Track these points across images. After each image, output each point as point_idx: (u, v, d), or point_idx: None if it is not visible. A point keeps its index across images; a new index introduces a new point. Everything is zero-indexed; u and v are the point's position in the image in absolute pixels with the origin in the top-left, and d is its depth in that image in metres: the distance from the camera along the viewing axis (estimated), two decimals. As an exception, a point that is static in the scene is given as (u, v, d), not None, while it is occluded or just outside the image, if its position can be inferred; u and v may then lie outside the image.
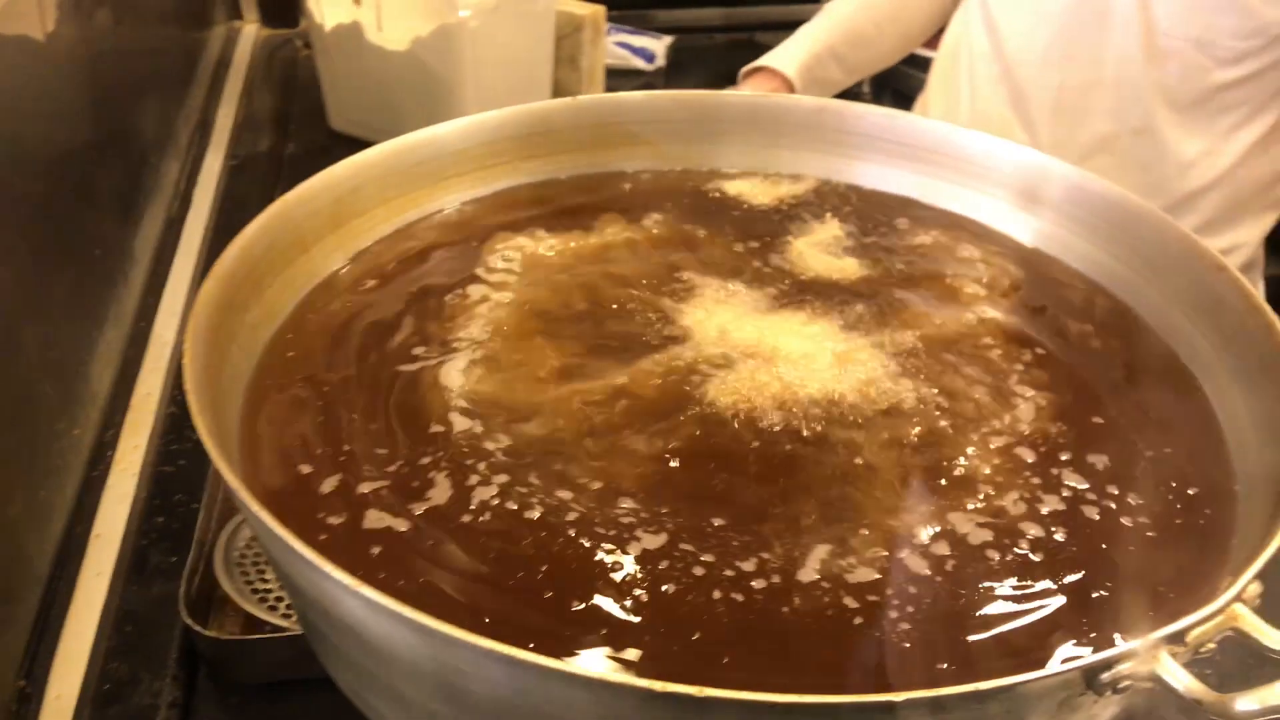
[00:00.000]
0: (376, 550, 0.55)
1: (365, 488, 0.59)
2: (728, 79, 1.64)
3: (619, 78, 1.66)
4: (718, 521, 0.57)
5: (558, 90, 1.54)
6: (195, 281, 1.16)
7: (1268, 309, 0.66)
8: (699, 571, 0.54)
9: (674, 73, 1.72)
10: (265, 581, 0.80)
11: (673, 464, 0.61)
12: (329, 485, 0.59)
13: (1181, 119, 1.06)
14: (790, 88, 1.23)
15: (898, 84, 1.68)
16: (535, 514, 0.57)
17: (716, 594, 0.53)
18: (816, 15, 1.22)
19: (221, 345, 0.64)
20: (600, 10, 1.53)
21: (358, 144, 1.38)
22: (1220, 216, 1.12)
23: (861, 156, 0.88)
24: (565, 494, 0.58)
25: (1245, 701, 0.44)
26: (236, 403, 0.64)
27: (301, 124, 1.51)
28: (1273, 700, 0.44)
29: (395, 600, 0.44)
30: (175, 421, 0.98)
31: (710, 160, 0.91)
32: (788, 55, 1.21)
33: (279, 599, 0.79)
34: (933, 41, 1.37)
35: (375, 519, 0.57)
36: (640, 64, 1.69)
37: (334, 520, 0.57)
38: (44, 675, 0.75)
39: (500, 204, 0.86)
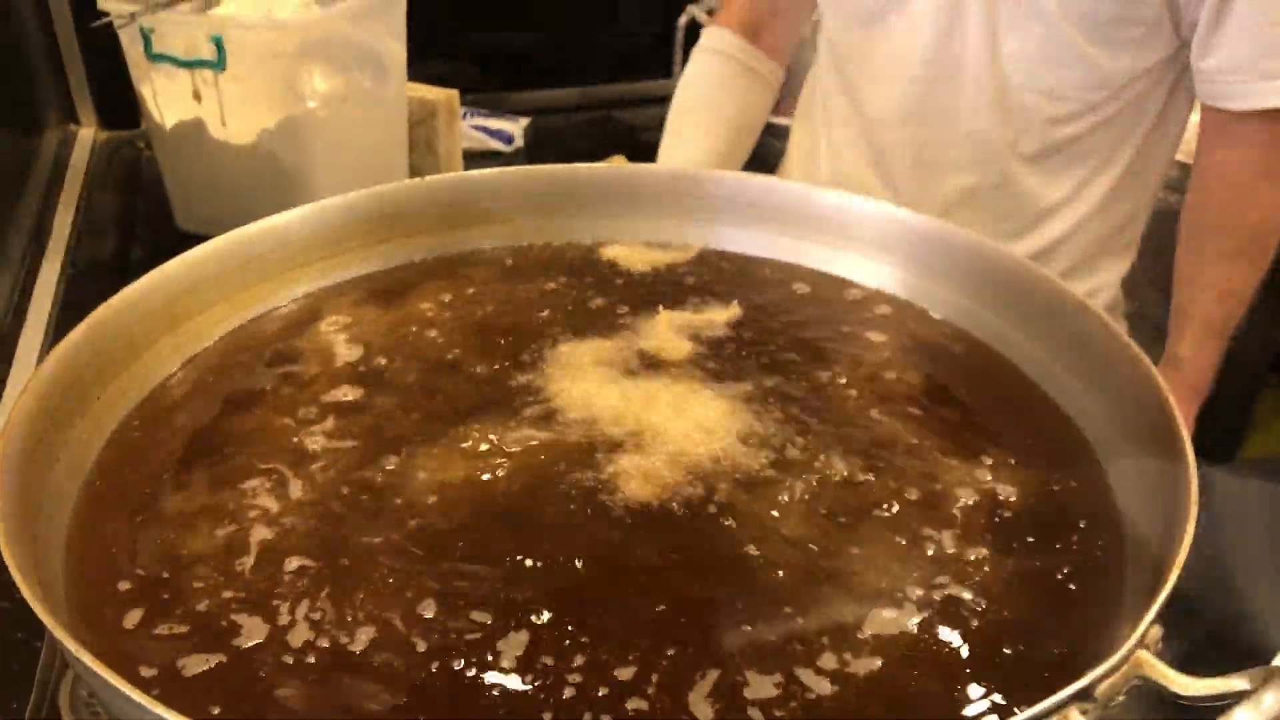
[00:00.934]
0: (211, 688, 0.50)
1: (196, 622, 0.54)
2: (588, 156, 1.63)
3: (478, 160, 1.64)
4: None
5: (414, 175, 1.51)
6: (32, 399, 1.08)
7: (1132, 343, 0.66)
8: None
9: (533, 153, 1.71)
10: (117, 720, 0.73)
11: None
12: (158, 618, 0.54)
13: (1037, 170, 1.08)
14: None
15: (756, 152, 1.69)
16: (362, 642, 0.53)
17: None
18: (668, 136, 1.19)
19: (41, 468, 0.58)
20: (453, 95, 1.51)
21: (207, 244, 1.32)
22: (1081, 263, 1.14)
23: (721, 220, 0.87)
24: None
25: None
26: (61, 530, 0.58)
27: (147, 226, 1.44)
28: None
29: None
30: (12, 553, 0.90)
31: (568, 234, 0.88)
32: None
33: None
34: (788, 109, 1.39)
35: (203, 660, 0.52)
36: (498, 146, 1.68)
37: (161, 658, 0.52)
38: None
39: (347, 291, 0.82)
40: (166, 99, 1.33)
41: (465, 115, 1.67)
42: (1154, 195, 1.16)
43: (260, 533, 0.59)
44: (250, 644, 0.52)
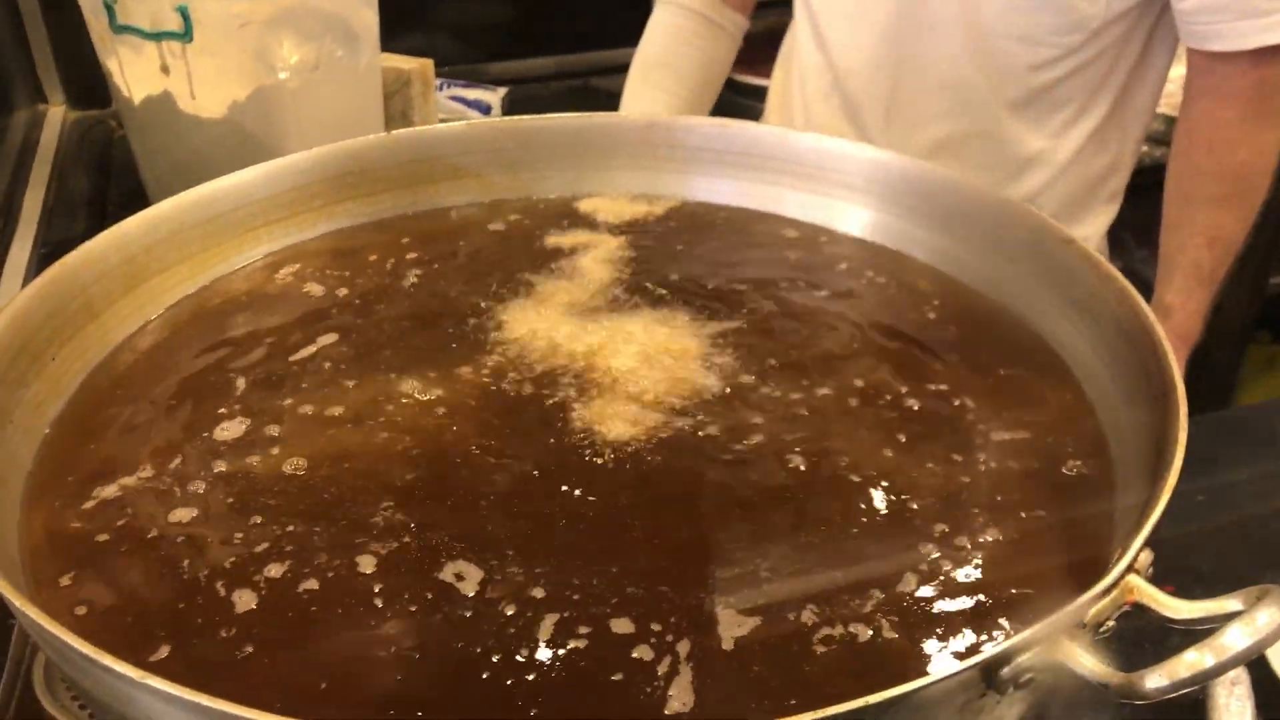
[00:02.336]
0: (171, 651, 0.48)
1: (165, 589, 0.52)
2: (568, 125, 1.62)
3: (456, 132, 1.62)
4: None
5: (391, 147, 1.49)
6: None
7: (1118, 275, 0.65)
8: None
9: (512, 123, 1.68)
10: (92, 695, 0.72)
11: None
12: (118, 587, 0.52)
13: (1015, 117, 1.07)
14: None
15: (739, 115, 1.67)
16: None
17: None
18: (629, 90, 1.19)
19: (-7, 426, 0.56)
20: (428, 64, 1.48)
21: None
22: (1063, 212, 1.13)
23: (696, 170, 0.85)
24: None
25: (1155, 678, 0.41)
26: (16, 493, 0.56)
27: (120, 205, 1.41)
28: (1183, 673, 0.40)
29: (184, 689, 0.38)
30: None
31: (541, 188, 0.86)
32: None
33: (110, 713, 0.70)
34: (765, 71, 1.37)
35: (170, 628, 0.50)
36: (476, 116, 1.65)
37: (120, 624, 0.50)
38: None
39: (311, 249, 0.80)
40: (134, 73, 1.31)
41: (442, 86, 1.65)
42: (1137, 145, 1.15)
43: (223, 494, 0.57)
44: (223, 605, 0.51)
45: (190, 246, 0.73)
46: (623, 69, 1.33)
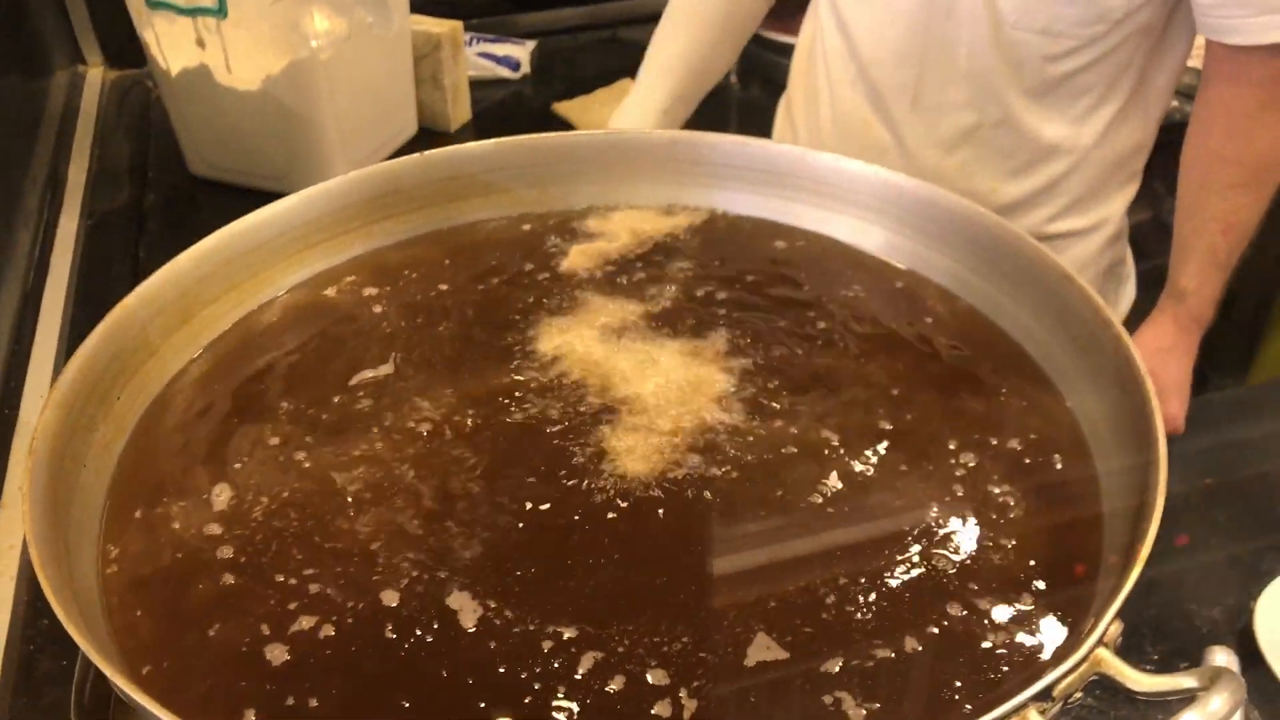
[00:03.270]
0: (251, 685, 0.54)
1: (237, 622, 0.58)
2: (598, 78, 1.63)
3: (485, 88, 1.63)
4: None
5: (422, 111, 1.51)
6: (60, 358, 1.11)
7: (1115, 320, 0.68)
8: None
9: (541, 77, 1.69)
10: (160, 679, 0.78)
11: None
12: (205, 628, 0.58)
13: (1038, 106, 1.07)
14: None
15: (766, 73, 1.68)
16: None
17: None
18: (649, 59, 1.21)
19: (69, 476, 0.62)
20: (457, 26, 1.50)
21: (220, 189, 1.34)
22: (1086, 194, 1.14)
23: (718, 185, 0.88)
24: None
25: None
26: (94, 534, 0.62)
27: (160, 171, 1.45)
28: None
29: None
30: (52, 512, 0.95)
31: (568, 201, 0.90)
32: (641, 118, 1.19)
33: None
34: (794, 27, 1.37)
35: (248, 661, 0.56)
36: (505, 73, 1.66)
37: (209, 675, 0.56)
38: (-62, 808, 0.73)
39: (352, 268, 0.84)
40: (170, 45, 1.33)
41: (471, 42, 1.66)
42: (1157, 125, 1.15)
43: (280, 522, 0.63)
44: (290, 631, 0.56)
45: (238, 275, 0.78)
46: (652, 19, 1.33)
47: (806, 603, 0.58)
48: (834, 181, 0.85)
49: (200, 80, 1.34)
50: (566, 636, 0.56)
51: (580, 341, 0.76)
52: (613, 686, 0.54)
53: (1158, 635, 0.79)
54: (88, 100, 1.57)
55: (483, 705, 0.53)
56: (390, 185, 0.85)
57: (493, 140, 0.88)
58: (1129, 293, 1.24)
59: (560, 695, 0.53)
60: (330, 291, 0.82)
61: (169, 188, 1.42)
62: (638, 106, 1.16)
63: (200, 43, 1.31)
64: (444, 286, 0.82)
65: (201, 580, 0.60)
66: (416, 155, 0.85)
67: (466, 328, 0.78)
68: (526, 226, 0.89)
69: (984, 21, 1.02)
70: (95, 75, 1.62)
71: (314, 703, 0.53)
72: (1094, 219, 1.15)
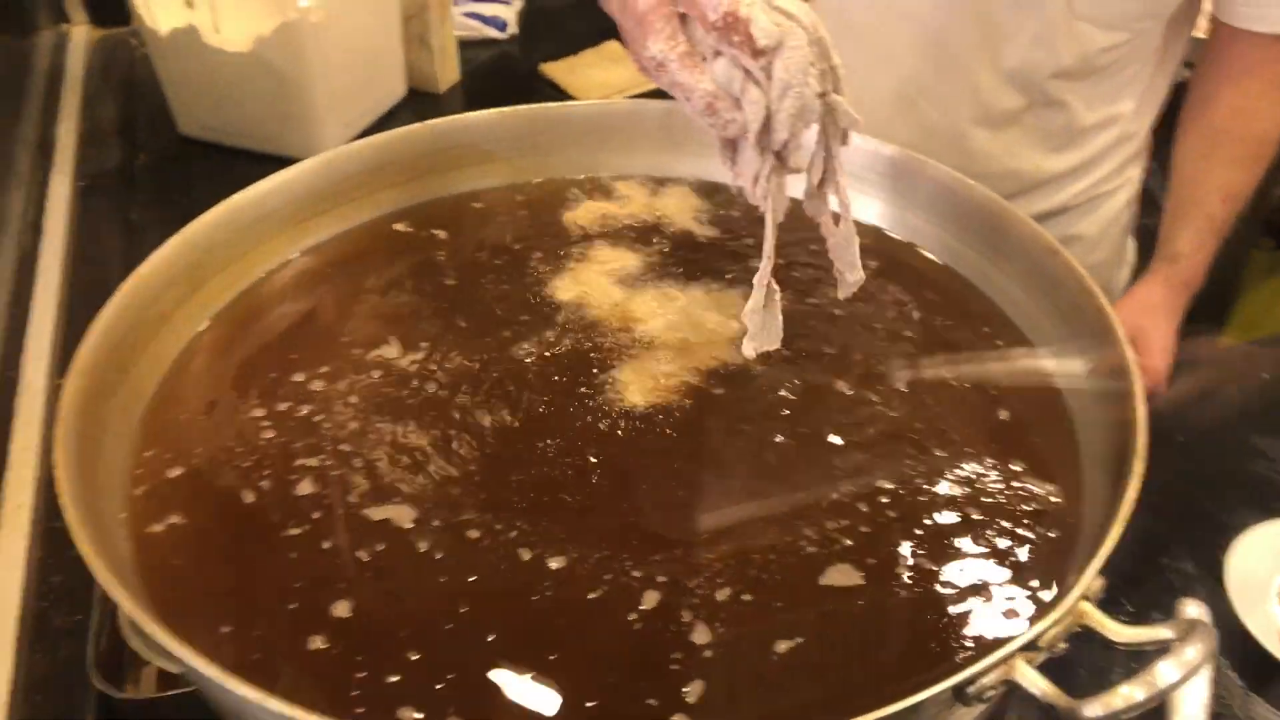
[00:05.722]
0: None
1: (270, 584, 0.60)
2: (585, 39, 1.64)
3: (472, 49, 1.64)
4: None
5: (410, 72, 1.52)
6: (59, 321, 1.12)
7: (1097, 291, 0.71)
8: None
9: (528, 37, 1.70)
10: (173, 634, 0.81)
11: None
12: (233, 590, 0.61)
13: (1082, 87, 1.08)
14: None
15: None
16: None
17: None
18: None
19: (94, 440, 0.64)
20: (445, -14, 1.50)
21: (211, 149, 1.34)
22: (1118, 168, 1.17)
23: (711, 153, 0.90)
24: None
25: (1093, 708, 0.49)
26: (120, 497, 0.65)
27: (150, 131, 1.45)
28: (1117, 704, 0.49)
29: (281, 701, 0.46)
30: (57, 473, 0.97)
31: (563, 170, 0.92)
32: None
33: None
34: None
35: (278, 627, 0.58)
36: (493, 33, 1.67)
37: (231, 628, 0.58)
38: (-43, 762, 0.75)
39: (358, 236, 0.86)
40: (159, 6, 1.33)
41: (457, 1, 1.66)
42: (1167, 91, 1.17)
43: (296, 476, 0.66)
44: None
45: (245, 244, 0.80)
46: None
47: (780, 549, 0.62)
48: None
49: (189, 41, 1.34)
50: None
51: (598, 288, 0.80)
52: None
53: (1131, 587, 0.83)
54: (73, 60, 1.56)
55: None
56: (392, 154, 0.87)
57: (496, 110, 0.90)
58: (1133, 245, 1.27)
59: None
60: (339, 257, 0.84)
61: (159, 148, 1.42)
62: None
63: (189, 3, 1.31)
64: (450, 251, 0.85)
65: (223, 535, 0.63)
66: (419, 124, 0.87)
67: (480, 283, 0.82)
68: (526, 193, 0.91)
69: (1057, 11, 1.02)
70: (80, 34, 1.62)
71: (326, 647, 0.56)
72: (1122, 179, 1.18)
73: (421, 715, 0.53)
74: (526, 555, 0.61)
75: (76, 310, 1.13)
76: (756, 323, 0.64)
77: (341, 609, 0.59)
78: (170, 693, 0.73)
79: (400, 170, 0.87)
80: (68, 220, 1.27)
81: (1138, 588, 0.81)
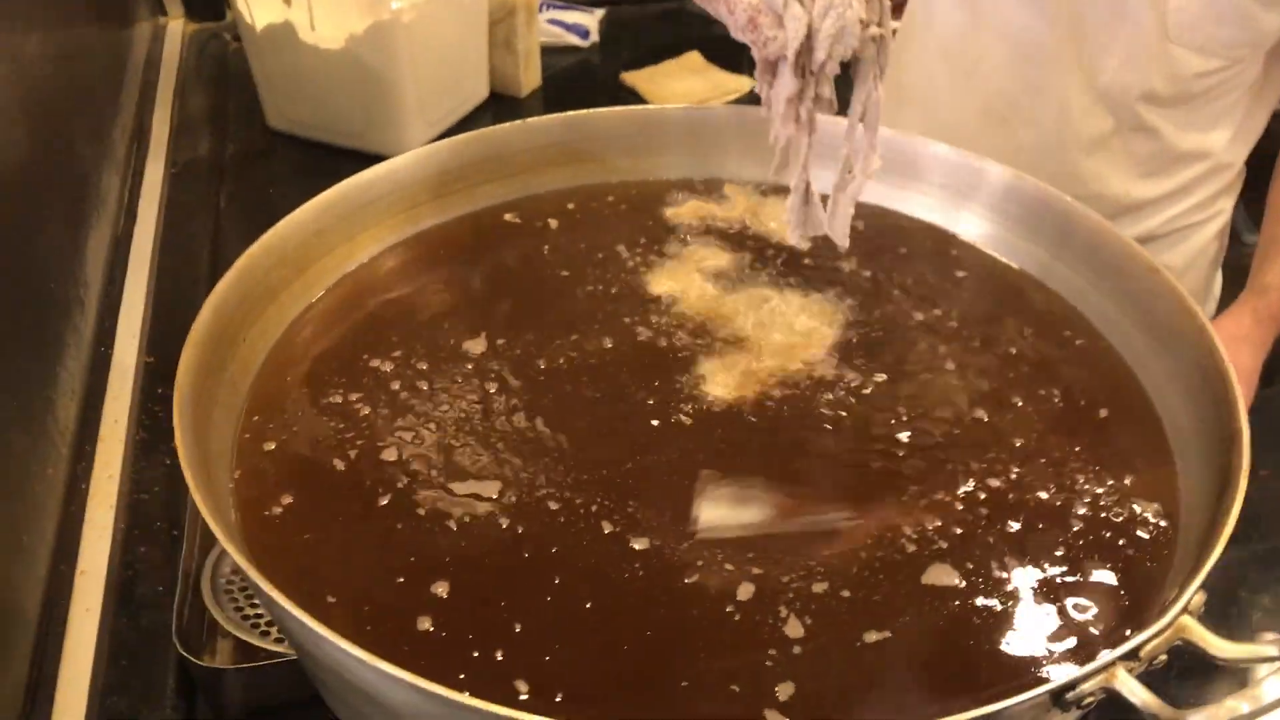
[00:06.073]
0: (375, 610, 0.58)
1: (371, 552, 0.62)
2: (665, 49, 1.66)
3: (555, 55, 1.66)
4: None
5: (494, 75, 1.54)
6: (149, 299, 1.15)
7: (1199, 311, 0.71)
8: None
9: (609, 46, 1.72)
10: (255, 607, 0.82)
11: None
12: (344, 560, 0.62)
13: (1176, 114, 1.08)
14: None
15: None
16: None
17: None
18: None
19: (203, 412, 0.65)
20: (532, -7, 1.53)
21: (297, 143, 1.37)
22: (1211, 198, 1.16)
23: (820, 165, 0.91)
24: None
25: (1197, 717, 0.49)
26: (226, 465, 0.66)
27: (239, 123, 1.49)
28: (1222, 716, 0.49)
29: (410, 674, 0.47)
30: (145, 447, 0.99)
31: (656, 171, 0.93)
32: None
33: (270, 624, 0.81)
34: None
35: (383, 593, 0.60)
36: (575, 40, 1.69)
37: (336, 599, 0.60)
38: (44, 718, 0.76)
39: (459, 226, 0.88)
40: (258, 2, 1.37)
41: (541, 8, 1.69)
42: (1265, 123, 1.16)
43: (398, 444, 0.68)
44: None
45: (352, 228, 0.82)
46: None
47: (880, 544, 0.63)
48: (916, 162, 0.88)
49: (284, 37, 1.37)
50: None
51: (693, 284, 0.82)
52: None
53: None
54: (169, 52, 1.60)
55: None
56: (493, 149, 0.88)
57: (598, 110, 0.91)
58: (1219, 278, 1.26)
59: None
60: (438, 244, 0.86)
61: (248, 139, 1.46)
62: None
63: (287, 1, 1.35)
64: (553, 244, 0.87)
65: (328, 504, 0.65)
66: (519, 121, 0.89)
67: (578, 274, 0.84)
68: (621, 192, 0.93)
69: (1150, 32, 1.02)
70: (175, 27, 1.66)
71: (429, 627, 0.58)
72: (1213, 210, 1.17)
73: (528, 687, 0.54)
74: (608, 529, 0.63)
75: (164, 291, 1.16)
76: (798, 215, 0.70)
77: (440, 587, 0.60)
78: (247, 665, 0.76)
79: (500, 165, 0.89)
80: (159, 205, 1.31)
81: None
